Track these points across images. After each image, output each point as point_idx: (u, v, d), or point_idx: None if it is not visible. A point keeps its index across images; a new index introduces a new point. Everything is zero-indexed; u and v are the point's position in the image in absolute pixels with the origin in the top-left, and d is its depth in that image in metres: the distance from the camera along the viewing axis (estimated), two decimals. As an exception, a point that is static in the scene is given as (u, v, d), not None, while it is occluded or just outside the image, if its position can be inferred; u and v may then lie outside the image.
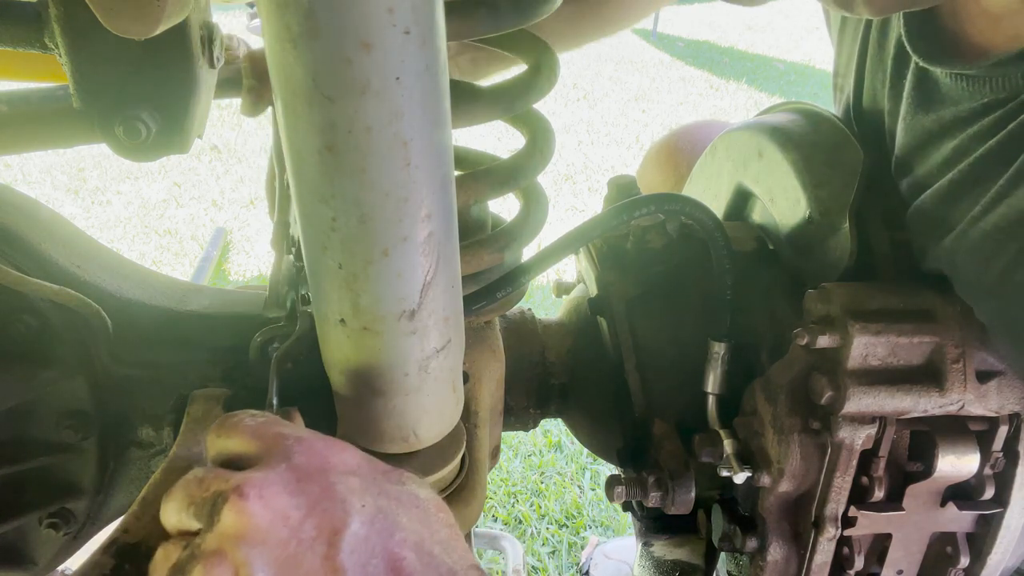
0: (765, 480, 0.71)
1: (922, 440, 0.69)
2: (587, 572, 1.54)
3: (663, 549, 0.94)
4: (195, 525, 0.43)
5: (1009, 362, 0.65)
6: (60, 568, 0.83)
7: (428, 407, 0.55)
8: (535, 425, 0.91)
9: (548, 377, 0.87)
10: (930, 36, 0.68)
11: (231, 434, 0.47)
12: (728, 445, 0.73)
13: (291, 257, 0.71)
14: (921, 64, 0.69)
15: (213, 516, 0.41)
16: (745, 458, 0.73)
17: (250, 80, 0.91)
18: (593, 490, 1.82)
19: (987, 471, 0.69)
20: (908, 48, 0.69)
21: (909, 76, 0.71)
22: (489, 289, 0.68)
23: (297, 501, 0.41)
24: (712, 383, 0.77)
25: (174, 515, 0.44)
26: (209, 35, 0.65)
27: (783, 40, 6.54)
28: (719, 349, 0.77)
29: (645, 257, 0.84)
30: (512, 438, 1.96)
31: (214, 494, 0.42)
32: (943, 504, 0.70)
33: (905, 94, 0.72)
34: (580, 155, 3.90)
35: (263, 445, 0.45)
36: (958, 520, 0.71)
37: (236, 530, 0.40)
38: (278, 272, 0.72)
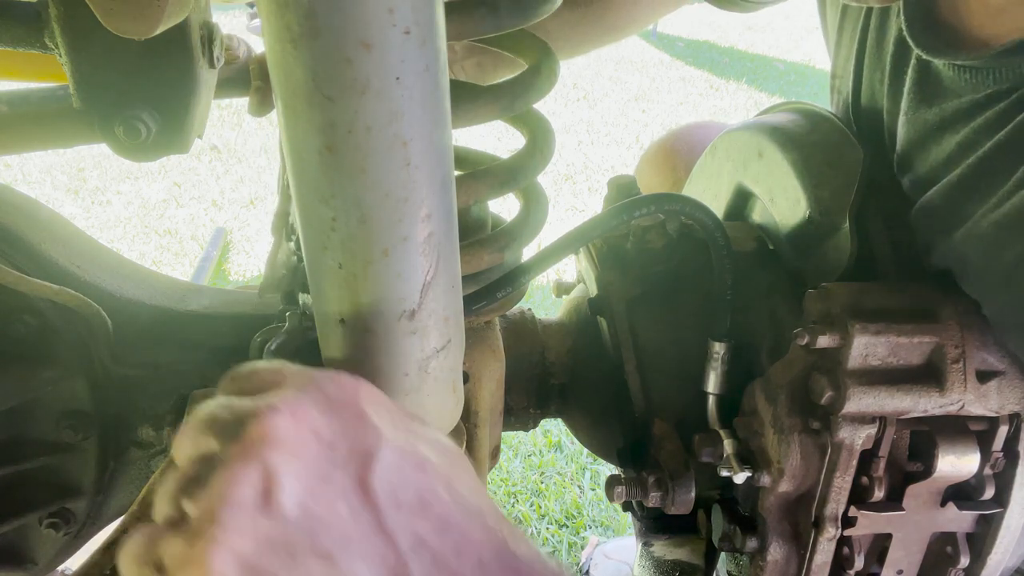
0: (765, 480, 0.71)
1: (922, 440, 0.69)
2: (587, 572, 1.54)
3: (663, 549, 0.94)
4: (214, 446, 0.39)
5: (1018, 356, 0.65)
6: (60, 568, 0.83)
7: (428, 407, 0.55)
8: (535, 425, 0.91)
9: (548, 377, 0.87)
10: (931, 29, 0.68)
11: (250, 376, 0.44)
12: (728, 445, 0.73)
13: (292, 244, 0.71)
14: (924, 57, 0.69)
15: (239, 430, 0.38)
16: (745, 458, 0.73)
17: (257, 81, 0.91)
18: (593, 490, 1.82)
19: (987, 471, 0.69)
20: (910, 41, 0.69)
21: (910, 71, 0.71)
22: (489, 289, 0.68)
23: (329, 421, 0.39)
24: (712, 383, 0.77)
25: (190, 444, 0.40)
26: (209, 35, 0.65)
27: (783, 40, 6.54)
28: (719, 349, 0.77)
29: (645, 257, 0.84)
30: (512, 438, 1.96)
31: (241, 412, 0.39)
32: (943, 504, 0.70)
33: (906, 89, 0.72)
34: (580, 155, 3.90)
35: (290, 377, 0.42)
36: (958, 520, 0.71)
37: (266, 438, 0.37)
38: (275, 256, 0.72)
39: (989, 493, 0.69)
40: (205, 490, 0.37)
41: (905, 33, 0.70)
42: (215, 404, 0.41)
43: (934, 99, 0.69)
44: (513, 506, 1.76)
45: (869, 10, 0.80)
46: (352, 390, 0.42)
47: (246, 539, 0.35)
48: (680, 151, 1.21)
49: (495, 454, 0.83)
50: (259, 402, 0.39)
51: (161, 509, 0.39)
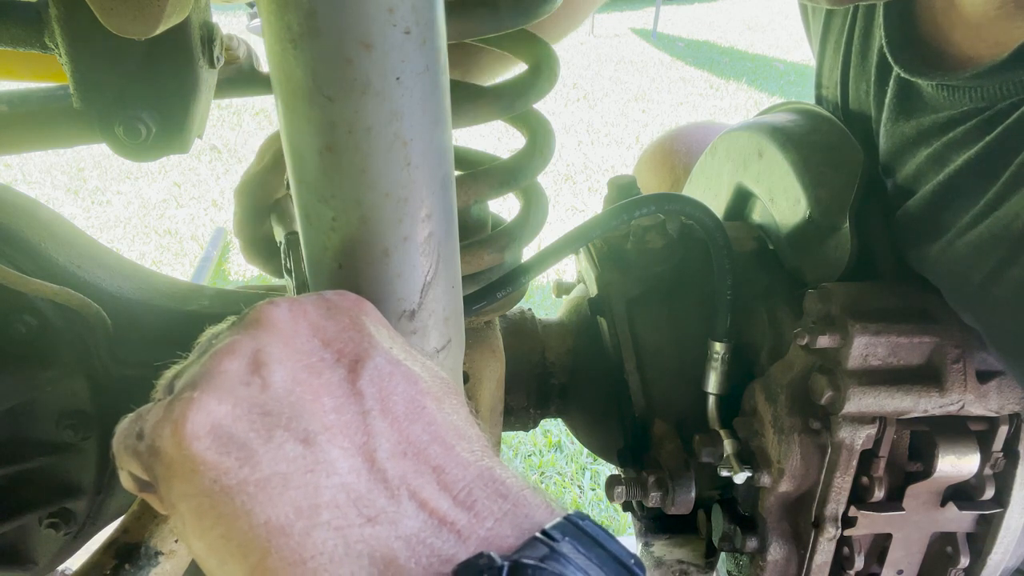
0: (765, 480, 0.71)
1: (922, 440, 0.69)
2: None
3: (663, 549, 0.94)
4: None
5: (1002, 367, 0.65)
6: (60, 568, 0.83)
7: (428, 407, 0.55)
8: (535, 425, 0.91)
9: (548, 377, 0.87)
10: (912, 47, 0.69)
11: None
12: (728, 445, 0.73)
13: (281, 243, 0.71)
14: (903, 76, 0.69)
15: (235, 325, 0.39)
16: (745, 458, 0.73)
17: None
18: (593, 490, 1.82)
19: (987, 471, 0.69)
20: (890, 59, 0.70)
21: (891, 83, 0.72)
22: (489, 289, 0.68)
23: (326, 322, 0.40)
24: (712, 383, 0.77)
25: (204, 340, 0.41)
26: (209, 35, 0.65)
27: (783, 40, 6.55)
28: (719, 349, 0.77)
29: (645, 257, 0.84)
30: (512, 438, 1.96)
31: (242, 314, 0.40)
32: (943, 504, 0.70)
33: (887, 101, 0.72)
34: (580, 155, 3.90)
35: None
36: (958, 520, 0.71)
37: (259, 320, 0.38)
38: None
39: (989, 493, 0.69)
40: (196, 365, 0.37)
41: (886, 51, 0.70)
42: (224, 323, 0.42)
43: (912, 112, 0.69)
44: (513, 506, 1.76)
45: (853, 21, 0.80)
46: (354, 302, 0.42)
47: (225, 405, 0.35)
48: (679, 151, 1.21)
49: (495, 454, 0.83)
50: (265, 301, 0.40)
51: (157, 394, 0.40)
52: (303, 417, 0.35)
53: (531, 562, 0.30)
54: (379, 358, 0.38)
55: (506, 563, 0.30)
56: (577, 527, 0.33)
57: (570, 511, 0.35)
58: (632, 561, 0.33)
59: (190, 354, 0.42)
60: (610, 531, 0.34)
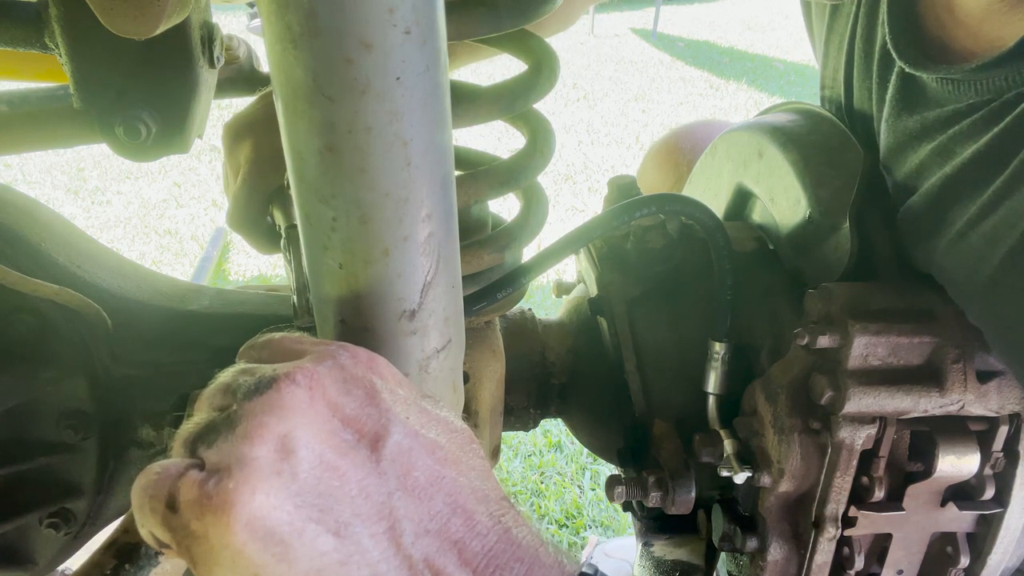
0: (765, 480, 0.71)
1: (922, 440, 0.69)
2: (596, 570, 1.53)
3: (663, 549, 0.94)
4: (231, 403, 0.39)
5: (1004, 365, 0.65)
6: (60, 568, 0.83)
7: (428, 407, 0.55)
8: (535, 425, 0.91)
9: (548, 377, 0.87)
10: (915, 42, 0.69)
11: (269, 344, 0.44)
12: (728, 445, 0.73)
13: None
14: (907, 70, 0.69)
15: (258, 392, 0.38)
16: (745, 458, 0.73)
17: None
18: (593, 490, 1.82)
19: (987, 471, 0.69)
20: (893, 53, 0.70)
21: (893, 79, 0.72)
22: (489, 289, 0.68)
23: (344, 399, 0.39)
24: (712, 383, 0.77)
25: (207, 404, 0.40)
26: (209, 35, 0.65)
27: (783, 40, 6.55)
28: (719, 349, 0.77)
29: (645, 257, 0.84)
30: (512, 438, 1.96)
31: (259, 378, 0.39)
32: (943, 504, 0.70)
33: (888, 97, 0.72)
34: (580, 155, 3.90)
35: (306, 349, 0.42)
36: (958, 520, 0.71)
37: (285, 406, 0.38)
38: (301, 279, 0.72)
39: (989, 493, 0.69)
40: (224, 441, 0.37)
41: (889, 46, 0.70)
42: (235, 369, 0.42)
43: (915, 107, 0.69)
44: (513, 506, 1.76)
45: (856, 20, 0.80)
46: (366, 365, 0.42)
47: (261, 496, 0.35)
48: (683, 149, 1.21)
49: (495, 454, 0.83)
50: (279, 369, 0.39)
51: (177, 451, 0.39)
52: (333, 508, 0.36)
53: None
54: (398, 434, 0.39)
55: None
56: None
57: (583, 567, 0.38)
58: None
59: (210, 397, 0.41)
60: None
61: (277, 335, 0.45)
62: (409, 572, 0.36)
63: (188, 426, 0.40)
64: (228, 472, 0.35)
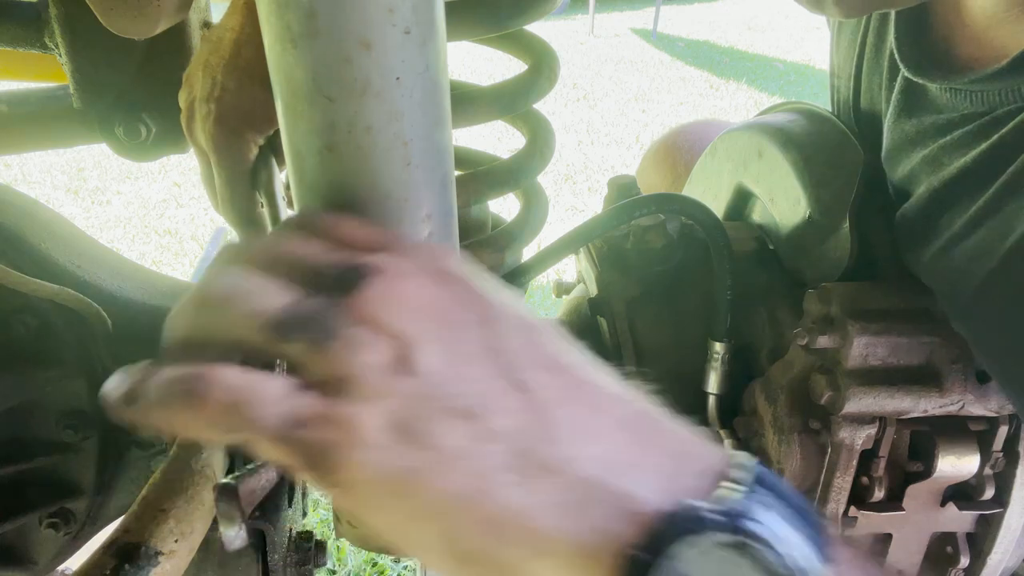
0: (765, 480, 0.71)
1: (922, 440, 0.69)
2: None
3: (663, 549, 0.94)
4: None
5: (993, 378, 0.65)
6: (60, 568, 0.83)
7: (428, 407, 0.55)
8: (535, 425, 0.91)
9: (548, 377, 0.87)
10: (920, 48, 0.68)
11: (336, 227, 0.40)
12: (728, 445, 0.73)
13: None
14: (910, 78, 0.69)
15: (345, 287, 0.35)
16: (745, 458, 0.73)
17: None
18: (593, 490, 1.82)
19: (987, 471, 0.69)
20: (898, 59, 0.69)
21: (899, 82, 0.72)
22: (489, 289, 0.67)
23: (440, 290, 0.37)
24: (712, 383, 0.77)
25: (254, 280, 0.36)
26: (209, 35, 0.65)
27: (783, 40, 6.55)
28: (719, 349, 0.77)
29: (645, 257, 0.84)
30: (512, 438, 1.95)
31: (338, 266, 0.36)
32: (943, 504, 0.70)
33: (893, 98, 0.72)
34: (580, 155, 3.90)
35: (389, 240, 0.39)
36: (958, 520, 0.71)
37: (389, 296, 0.35)
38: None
39: (989, 493, 0.69)
40: (335, 348, 0.34)
41: (894, 51, 0.70)
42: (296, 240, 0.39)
43: (915, 112, 0.69)
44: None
45: (868, 16, 0.80)
46: (454, 261, 0.40)
47: (392, 399, 0.34)
48: (682, 149, 1.21)
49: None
50: (363, 258, 0.37)
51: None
52: (461, 394, 0.34)
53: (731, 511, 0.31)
54: (503, 318, 0.37)
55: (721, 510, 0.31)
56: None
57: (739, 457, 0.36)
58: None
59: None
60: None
61: (343, 218, 0.41)
62: (552, 438, 0.34)
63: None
64: (348, 395, 0.34)
